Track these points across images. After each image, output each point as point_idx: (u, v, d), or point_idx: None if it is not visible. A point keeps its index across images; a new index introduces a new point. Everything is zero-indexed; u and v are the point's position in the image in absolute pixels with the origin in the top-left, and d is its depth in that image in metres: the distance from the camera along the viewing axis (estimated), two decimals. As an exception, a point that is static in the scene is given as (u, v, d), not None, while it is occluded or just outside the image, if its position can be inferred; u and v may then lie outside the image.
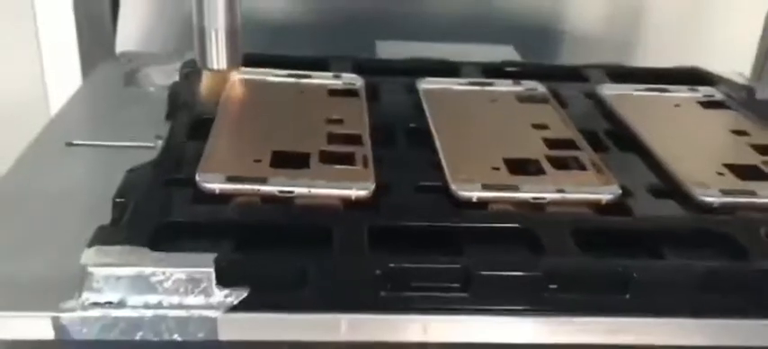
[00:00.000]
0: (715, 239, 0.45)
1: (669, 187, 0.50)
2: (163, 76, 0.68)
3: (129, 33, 0.83)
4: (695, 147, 0.56)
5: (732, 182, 0.50)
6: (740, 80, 0.70)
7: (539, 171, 0.51)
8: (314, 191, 0.46)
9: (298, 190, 0.46)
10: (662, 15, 0.91)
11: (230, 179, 0.46)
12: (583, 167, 0.51)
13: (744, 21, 0.83)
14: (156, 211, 0.43)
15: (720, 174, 0.51)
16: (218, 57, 0.51)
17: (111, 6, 0.83)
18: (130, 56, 0.78)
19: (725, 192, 0.48)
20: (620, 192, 0.48)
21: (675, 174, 0.50)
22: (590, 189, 0.48)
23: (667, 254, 0.44)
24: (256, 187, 0.46)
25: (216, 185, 0.46)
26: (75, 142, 0.57)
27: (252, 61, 0.66)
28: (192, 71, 0.65)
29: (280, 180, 0.47)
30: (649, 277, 0.41)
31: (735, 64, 0.73)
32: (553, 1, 0.90)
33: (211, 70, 0.53)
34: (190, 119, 0.56)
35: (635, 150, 0.55)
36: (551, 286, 0.41)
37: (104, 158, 0.55)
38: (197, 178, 0.46)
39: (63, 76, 0.77)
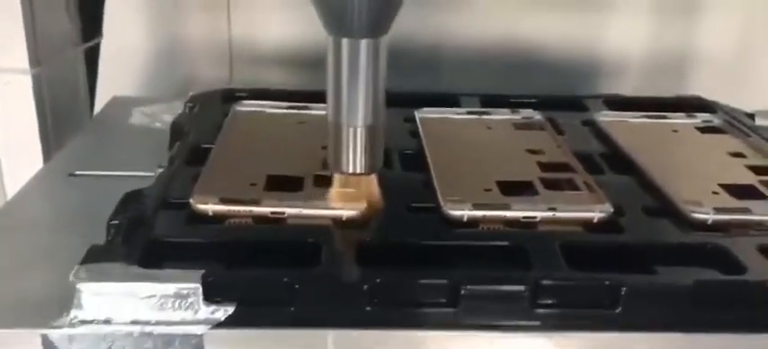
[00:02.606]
0: (708, 255, 0.45)
1: (662, 206, 0.50)
2: (168, 113, 0.69)
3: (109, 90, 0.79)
4: (691, 169, 0.56)
5: (727, 200, 0.50)
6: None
7: (531, 192, 0.51)
8: (305, 211, 0.47)
9: (289, 211, 0.47)
10: (702, 79, 0.86)
11: (224, 201, 0.47)
12: (576, 188, 0.51)
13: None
14: (148, 231, 0.44)
15: (715, 193, 0.51)
16: (355, 159, 0.46)
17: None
18: (124, 101, 0.76)
19: (719, 210, 0.48)
20: (612, 210, 0.48)
21: (669, 193, 0.50)
22: (582, 207, 0.48)
23: (659, 271, 0.44)
24: (249, 208, 0.47)
25: (209, 207, 0.46)
26: (77, 173, 0.58)
27: (254, 95, 0.68)
28: (195, 105, 0.67)
29: (272, 202, 0.47)
30: (639, 292, 0.41)
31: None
32: (580, 69, 0.85)
33: (346, 174, 0.46)
34: (189, 146, 0.57)
35: (630, 173, 0.55)
36: (540, 301, 0.41)
37: (106, 187, 0.56)
38: (191, 200, 0.47)
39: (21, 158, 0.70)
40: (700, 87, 0.81)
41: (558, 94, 0.73)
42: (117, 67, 0.81)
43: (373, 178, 0.48)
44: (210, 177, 0.51)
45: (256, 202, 0.47)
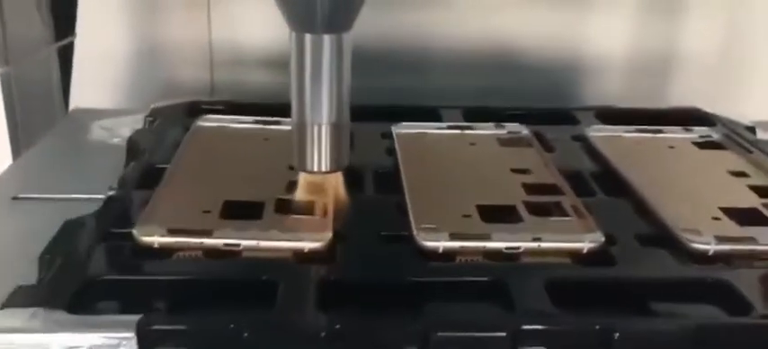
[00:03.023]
0: (709, 292, 0.40)
1: (659, 234, 0.45)
2: (130, 127, 0.65)
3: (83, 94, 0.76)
4: (689, 191, 0.51)
5: (729, 227, 0.45)
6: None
7: (515, 218, 0.46)
8: (263, 243, 0.42)
9: (245, 242, 0.42)
10: (687, 82, 0.82)
11: (172, 232, 0.42)
12: (564, 213, 0.47)
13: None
14: (83, 268, 0.39)
15: (716, 218, 0.47)
16: (319, 157, 0.45)
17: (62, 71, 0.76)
18: (83, 113, 0.72)
19: (721, 239, 0.43)
20: (603, 239, 0.43)
21: (666, 219, 0.46)
22: (570, 237, 0.44)
23: (655, 309, 0.39)
24: (200, 240, 0.42)
25: (155, 239, 0.42)
26: (21, 196, 0.53)
27: (223, 108, 0.64)
28: (156, 120, 0.62)
29: (227, 232, 0.43)
30: (633, 335, 0.36)
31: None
32: (564, 69, 0.81)
33: (311, 173, 0.46)
34: (143, 167, 0.52)
35: (623, 194, 0.51)
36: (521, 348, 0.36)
37: (51, 212, 0.51)
38: (134, 231, 0.42)
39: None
40: (684, 87, 0.80)
41: (546, 107, 0.68)
42: (93, 68, 0.78)
43: (339, 176, 0.47)
44: (160, 203, 0.46)
45: (208, 233, 0.42)
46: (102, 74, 0.79)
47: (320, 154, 0.45)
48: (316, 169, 0.45)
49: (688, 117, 0.66)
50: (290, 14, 0.42)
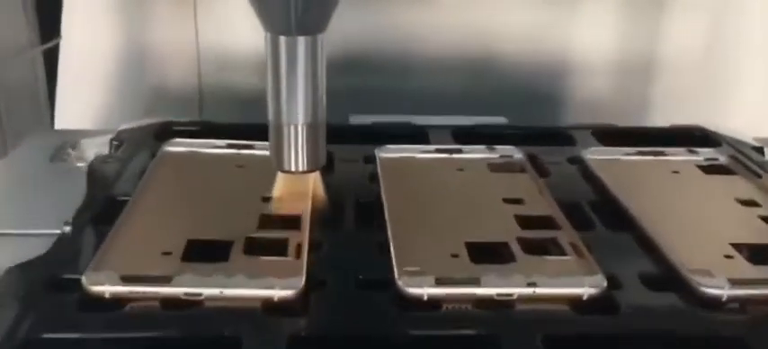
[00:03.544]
0: (724, 345, 0.36)
1: (666, 275, 0.41)
2: (95, 150, 0.60)
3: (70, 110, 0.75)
4: (696, 223, 0.47)
5: (743, 267, 0.41)
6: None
7: (508, 257, 0.42)
8: (228, 292, 0.38)
9: (208, 291, 0.38)
10: (673, 79, 0.81)
11: (126, 279, 0.38)
12: (561, 251, 0.43)
13: (758, 83, 0.79)
14: (22, 324, 0.35)
15: (728, 256, 0.42)
16: (296, 157, 0.45)
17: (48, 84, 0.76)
18: (68, 134, 0.68)
19: (735, 282, 0.39)
20: (606, 284, 0.39)
21: (673, 258, 0.42)
22: (568, 281, 0.39)
23: (664, 365, 0.35)
24: (157, 289, 0.38)
25: (106, 288, 0.37)
26: (-33, 231, 0.49)
27: (197, 130, 0.60)
28: (122, 143, 0.58)
29: (188, 278, 0.38)
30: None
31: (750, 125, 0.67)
32: (547, 68, 0.80)
33: (288, 172, 0.46)
34: (102, 200, 0.48)
35: (625, 228, 0.46)
36: (515, 415, 0.32)
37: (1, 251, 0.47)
38: (83, 279, 0.38)
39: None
40: (669, 87, 0.79)
41: (540, 126, 0.64)
42: (79, 72, 0.76)
43: (317, 175, 0.48)
44: (116, 244, 0.41)
45: (167, 281, 0.38)
46: (87, 78, 0.77)
47: (297, 154, 0.45)
48: (293, 169, 0.46)
49: (691, 136, 0.62)
50: (264, 17, 0.43)
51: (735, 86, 0.80)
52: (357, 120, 0.71)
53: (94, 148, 0.61)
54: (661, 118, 0.80)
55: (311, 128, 0.45)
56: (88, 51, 0.76)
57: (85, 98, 0.77)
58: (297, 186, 0.47)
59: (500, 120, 0.71)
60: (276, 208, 0.47)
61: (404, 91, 0.78)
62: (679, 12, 0.78)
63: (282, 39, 0.43)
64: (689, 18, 0.78)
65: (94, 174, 0.52)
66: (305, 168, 0.46)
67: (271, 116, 0.45)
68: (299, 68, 0.43)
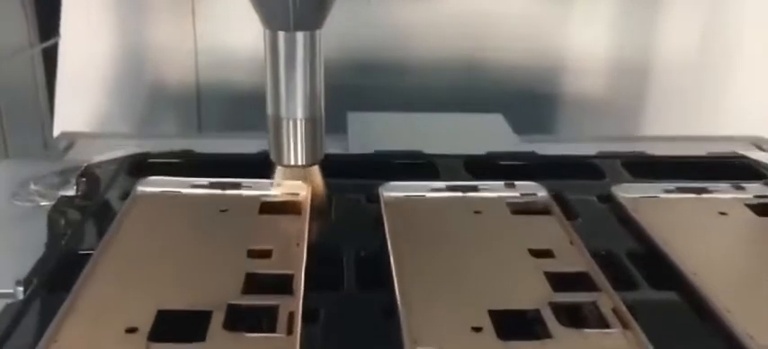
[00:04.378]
0: None
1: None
2: (61, 186, 0.53)
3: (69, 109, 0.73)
4: (754, 279, 0.40)
5: (820, 341, 0.35)
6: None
7: (540, 331, 0.35)
8: (203, 383, 0.31)
9: (179, 382, 0.31)
10: (667, 78, 0.80)
11: (79, 367, 0.31)
12: (603, 323, 0.36)
13: (753, 82, 0.78)
14: None
15: (800, 326, 0.36)
16: (295, 151, 0.47)
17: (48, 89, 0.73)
18: (70, 136, 0.70)
19: (814, 363, 0.33)
20: (661, 367, 0.32)
21: (736, 329, 0.35)
22: (616, 364, 0.33)
23: None
24: (117, 380, 0.31)
25: (54, 380, 0.30)
26: None
27: (175, 165, 0.53)
28: (89, 181, 0.51)
29: (155, 365, 0.32)
30: None
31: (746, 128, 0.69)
32: (543, 67, 0.79)
33: (287, 167, 0.47)
34: (59, 255, 0.41)
35: (673, 286, 0.40)
36: None
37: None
38: (26, 372, 0.31)
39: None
40: (662, 86, 0.79)
41: (563, 154, 0.58)
42: (79, 70, 0.76)
43: (315, 169, 0.48)
44: (71, 317, 0.35)
45: (129, 369, 0.31)
46: (86, 77, 0.77)
47: (296, 148, 0.47)
48: (292, 163, 0.47)
49: (732, 167, 0.56)
50: (263, 13, 0.44)
51: (729, 86, 0.79)
52: (354, 118, 0.68)
53: (62, 188, 0.54)
54: (656, 117, 0.81)
55: (310, 122, 0.46)
56: (87, 51, 0.76)
57: (84, 97, 0.77)
58: (296, 178, 0.48)
59: (497, 117, 0.69)
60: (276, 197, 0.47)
61: (400, 88, 0.79)
62: (674, 12, 0.78)
63: (281, 34, 0.44)
64: (684, 19, 0.78)
65: (56, 218, 0.46)
66: (304, 162, 0.47)
67: (270, 110, 0.46)
68: (298, 63, 0.44)
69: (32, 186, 0.55)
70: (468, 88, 0.78)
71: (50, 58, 0.73)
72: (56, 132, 0.72)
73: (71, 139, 0.70)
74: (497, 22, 0.77)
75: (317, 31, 0.44)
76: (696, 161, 0.57)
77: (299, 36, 0.44)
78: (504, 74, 0.78)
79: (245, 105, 0.76)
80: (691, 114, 0.80)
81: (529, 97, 0.79)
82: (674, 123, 0.79)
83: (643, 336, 0.34)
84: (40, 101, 0.73)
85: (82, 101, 0.77)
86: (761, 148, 0.66)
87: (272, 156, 0.47)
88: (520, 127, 0.67)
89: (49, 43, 0.72)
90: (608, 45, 0.79)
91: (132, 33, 0.77)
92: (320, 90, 0.46)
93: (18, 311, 0.36)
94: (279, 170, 0.48)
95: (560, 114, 0.81)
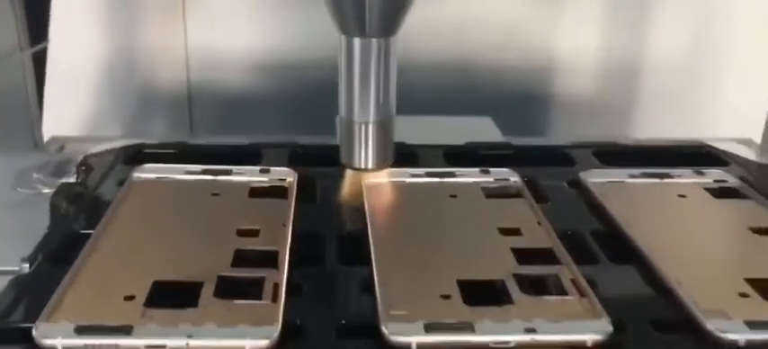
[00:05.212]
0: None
1: (677, 317, 0.37)
2: (61, 175, 0.56)
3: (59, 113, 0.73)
4: (708, 256, 0.44)
5: (760, 307, 0.38)
6: (752, 155, 0.60)
7: (504, 298, 0.38)
8: (195, 343, 0.34)
9: (173, 343, 0.34)
10: (656, 81, 0.81)
11: (81, 330, 0.34)
12: (562, 291, 0.39)
13: (742, 84, 0.79)
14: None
15: (743, 295, 0.39)
16: (366, 155, 0.48)
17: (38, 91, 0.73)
18: (60, 140, 0.69)
19: (752, 325, 0.36)
20: (612, 329, 0.35)
21: (684, 297, 0.38)
22: (570, 326, 0.36)
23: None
24: (116, 341, 0.34)
25: (58, 341, 0.34)
26: None
27: (168, 154, 0.56)
28: (88, 169, 0.54)
29: (150, 328, 0.35)
30: None
31: (735, 130, 0.67)
32: (533, 69, 0.79)
33: (357, 170, 0.49)
34: (62, 235, 0.44)
35: (631, 261, 0.43)
36: None
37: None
38: (34, 331, 0.34)
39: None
40: (652, 88, 0.80)
41: (538, 144, 0.61)
42: (69, 73, 0.76)
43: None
44: (74, 287, 0.38)
45: (127, 331, 0.34)
46: (76, 80, 0.77)
47: (367, 152, 0.48)
48: (362, 166, 0.49)
49: (697, 155, 0.59)
50: (340, 20, 0.45)
51: (718, 88, 0.80)
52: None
53: (62, 175, 0.57)
54: (645, 118, 0.81)
55: (381, 127, 0.48)
56: (77, 53, 0.76)
57: (75, 100, 0.77)
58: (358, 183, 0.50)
59: (486, 120, 0.69)
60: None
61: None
62: (664, 14, 0.78)
63: (357, 40, 0.45)
64: (674, 21, 0.78)
65: (58, 203, 0.49)
66: (373, 166, 0.49)
67: (343, 113, 0.48)
68: (372, 69, 0.46)
69: (34, 175, 0.58)
70: (457, 91, 0.78)
71: (40, 64, 0.73)
72: (46, 136, 0.72)
73: (61, 143, 0.70)
74: (489, 25, 0.77)
75: (392, 38, 0.46)
76: (664, 150, 0.61)
77: (374, 42, 0.46)
78: (495, 76, 0.79)
79: (237, 107, 0.79)
80: (681, 116, 0.81)
81: (520, 99, 0.79)
82: (666, 125, 0.80)
83: (597, 303, 0.37)
84: (30, 104, 0.72)
85: (72, 104, 0.77)
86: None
87: (343, 160, 0.49)
88: (511, 129, 0.67)
89: (39, 48, 0.72)
90: (599, 46, 0.79)
91: (122, 36, 0.77)
92: (393, 96, 0.48)
93: (25, 283, 0.39)
94: (347, 173, 0.51)
95: (552, 116, 0.82)
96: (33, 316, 0.35)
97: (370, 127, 0.47)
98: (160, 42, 0.77)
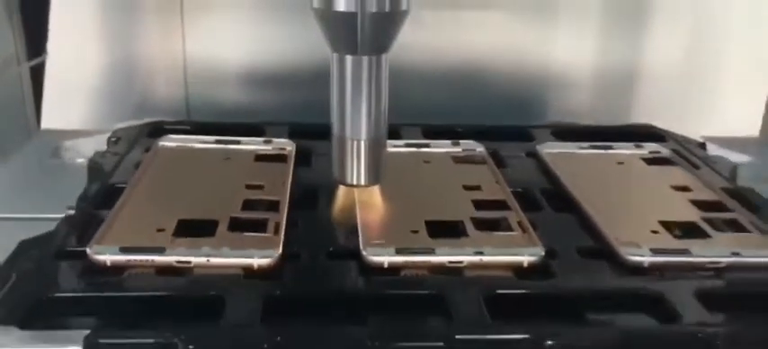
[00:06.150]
0: (642, 302, 0.42)
1: (598, 247, 0.47)
2: (93, 147, 0.66)
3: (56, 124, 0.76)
4: (632, 206, 0.53)
5: (666, 240, 0.47)
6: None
7: (461, 233, 0.48)
8: (213, 260, 0.43)
9: (196, 260, 0.43)
10: (654, 90, 0.82)
11: (124, 250, 0.43)
12: (509, 228, 0.48)
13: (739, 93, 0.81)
14: (37, 286, 0.41)
15: (655, 232, 0.48)
16: (357, 171, 0.49)
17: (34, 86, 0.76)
18: (54, 134, 0.74)
19: (656, 251, 0.45)
20: (543, 253, 0.45)
21: (606, 233, 0.47)
22: (511, 251, 0.45)
23: (591, 319, 0.41)
24: (152, 258, 0.43)
25: (107, 257, 0.43)
26: (-17, 215, 0.54)
27: (186, 129, 0.65)
28: (118, 140, 0.63)
29: (179, 249, 0.44)
30: (565, 344, 0.37)
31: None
32: (530, 80, 0.81)
33: (349, 186, 0.50)
34: (102, 187, 0.53)
35: (568, 210, 0.52)
36: (457, 358, 0.37)
37: (10, 232, 0.52)
38: (88, 250, 0.43)
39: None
40: (649, 102, 0.80)
41: (506, 124, 0.70)
42: (65, 85, 0.77)
43: (375, 189, 0.51)
44: (115, 222, 0.47)
45: (161, 251, 0.44)
46: (74, 91, 0.78)
47: (359, 168, 0.49)
48: (355, 183, 0.49)
49: (642, 134, 0.68)
50: (332, 38, 0.46)
51: (714, 96, 0.82)
52: None
53: (91, 147, 0.66)
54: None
55: (373, 143, 0.48)
56: (75, 64, 0.77)
57: (71, 111, 0.77)
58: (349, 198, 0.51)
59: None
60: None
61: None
62: (660, 23, 0.79)
63: (349, 58, 0.46)
64: (669, 29, 0.80)
65: (95, 165, 0.58)
66: (366, 183, 0.49)
67: (335, 130, 0.48)
68: (364, 86, 0.47)
69: (68, 144, 0.68)
70: (454, 104, 0.78)
71: (38, 75, 0.75)
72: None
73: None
74: (486, 39, 0.78)
75: (383, 56, 0.47)
76: (615, 130, 0.70)
77: (365, 60, 0.46)
78: (491, 89, 0.79)
79: (233, 117, 0.75)
80: (677, 124, 0.76)
81: (516, 111, 0.79)
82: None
83: (535, 236, 0.47)
84: (27, 116, 0.75)
85: (68, 114, 0.77)
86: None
87: (335, 175, 0.50)
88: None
89: (36, 62, 0.75)
90: (595, 58, 0.80)
91: (120, 46, 0.77)
92: (384, 113, 0.48)
93: (73, 221, 0.49)
94: (339, 189, 0.52)
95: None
96: (84, 242, 0.45)
97: (362, 143, 0.48)
98: (158, 55, 0.78)
